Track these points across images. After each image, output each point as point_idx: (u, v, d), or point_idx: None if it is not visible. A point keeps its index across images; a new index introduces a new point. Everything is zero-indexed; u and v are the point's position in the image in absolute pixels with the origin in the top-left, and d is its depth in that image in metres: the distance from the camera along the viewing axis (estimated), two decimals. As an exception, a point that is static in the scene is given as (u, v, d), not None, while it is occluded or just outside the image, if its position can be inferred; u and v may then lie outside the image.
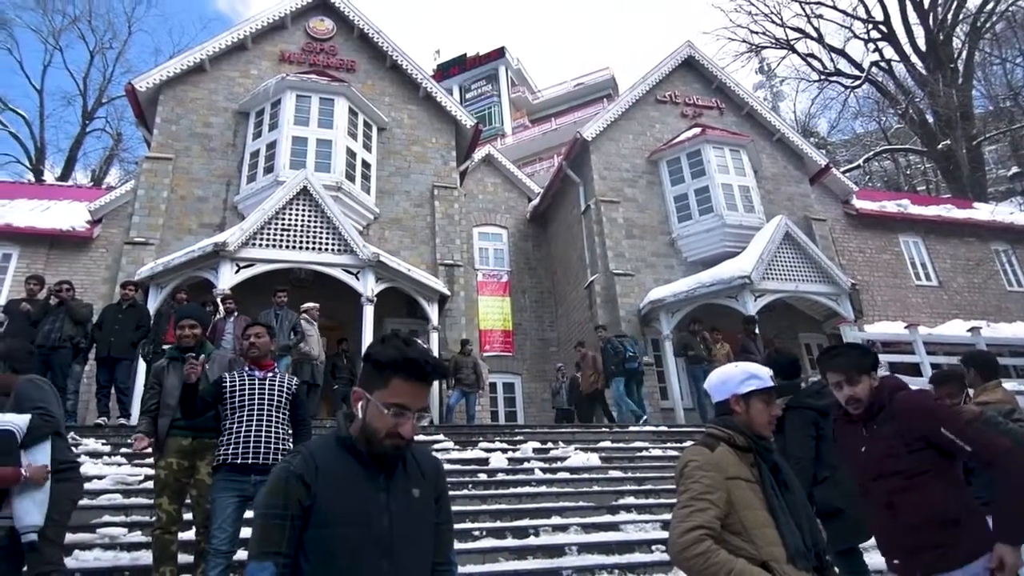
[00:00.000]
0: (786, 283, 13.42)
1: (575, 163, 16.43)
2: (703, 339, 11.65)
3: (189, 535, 4.42)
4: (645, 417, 11.11)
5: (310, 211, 11.59)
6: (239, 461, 3.75)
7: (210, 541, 3.77)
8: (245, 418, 3.83)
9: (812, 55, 30.55)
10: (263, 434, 3.82)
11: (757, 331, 11.15)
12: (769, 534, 1.96)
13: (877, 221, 18.63)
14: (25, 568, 3.55)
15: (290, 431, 4.00)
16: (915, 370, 10.97)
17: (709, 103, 17.22)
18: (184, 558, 4.31)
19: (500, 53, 36.24)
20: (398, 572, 1.56)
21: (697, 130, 15.91)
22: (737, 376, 2.21)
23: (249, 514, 3.97)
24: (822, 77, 30.68)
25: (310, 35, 15.19)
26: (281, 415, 3.94)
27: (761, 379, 2.19)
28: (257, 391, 3.91)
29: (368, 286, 11.32)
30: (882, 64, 29.35)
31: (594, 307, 14.42)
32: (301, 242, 11.36)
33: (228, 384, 3.92)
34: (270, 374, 4.03)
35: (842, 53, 29.78)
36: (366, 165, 13.92)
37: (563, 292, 17.14)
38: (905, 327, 12.38)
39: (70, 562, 4.31)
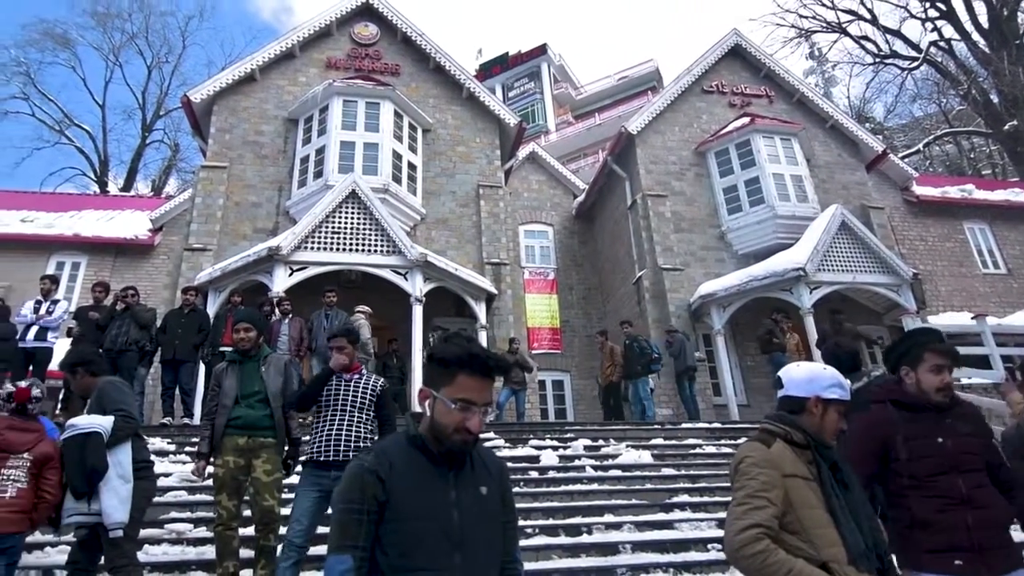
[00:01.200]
0: (843, 274, 12.99)
1: (620, 158, 16.26)
2: (783, 329, 11.28)
3: (251, 531, 4.56)
4: (650, 415, 11.09)
5: (359, 214, 11.81)
6: (321, 458, 3.97)
7: (286, 534, 3.96)
8: (329, 418, 4.07)
9: (866, 37, 29.36)
10: (344, 433, 4.02)
11: (844, 326, 10.60)
12: (829, 534, 1.90)
13: (939, 207, 17.90)
14: (102, 560, 3.75)
15: (373, 430, 4.17)
16: (984, 362, 10.49)
17: (758, 91, 16.81)
18: (246, 553, 4.46)
19: (542, 50, 36.12)
20: (470, 565, 1.61)
21: (746, 119, 15.55)
22: (826, 379, 2.15)
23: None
24: (877, 60, 29.45)
25: (355, 41, 15.46)
26: (365, 415, 4.13)
27: (845, 391, 2.15)
28: (343, 392, 4.12)
29: (416, 286, 11.47)
30: (941, 44, 27.99)
31: (643, 303, 14.25)
32: (351, 244, 11.59)
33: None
34: (356, 376, 4.22)
35: (898, 34, 28.53)
36: (412, 167, 14.10)
37: (611, 288, 17.00)
38: (972, 318, 11.88)
39: (141, 556, 4.50)
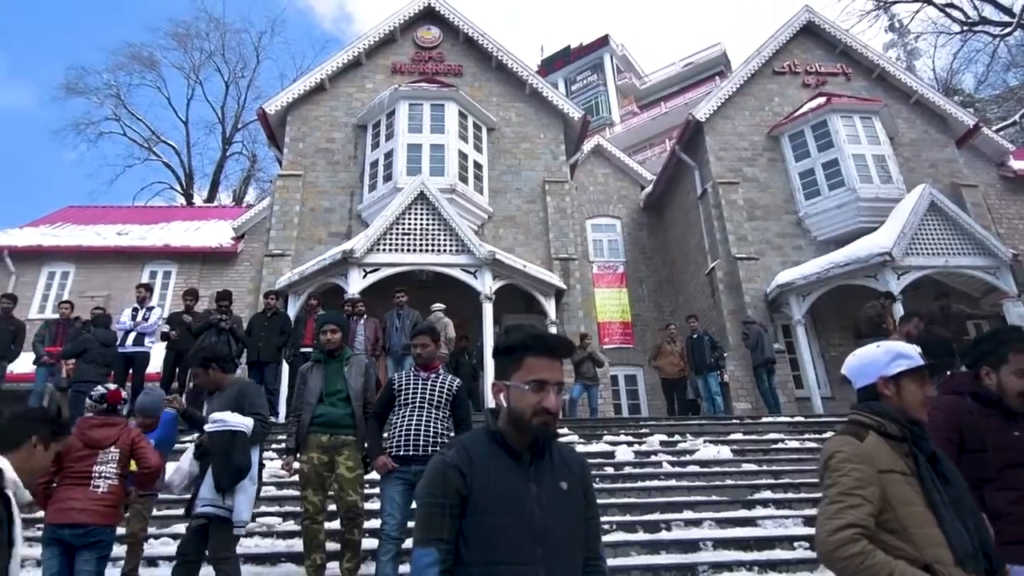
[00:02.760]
0: (933, 258, 12.24)
1: (688, 146, 15.88)
2: (890, 314, 10.66)
3: (337, 524, 4.72)
4: (719, 410, 10.90)
5: (428, 214, 12.02)
6: (400, 453, 4.11)
7: (381, 528, 4.13)
8: (406, 414, 4.20)
9: (951, 4, 27.54)
10: (421, 429, 4.13)
11: (952, 309, 9.77)
12: (931, 533, 1.77)
13: (1041, 182, 16.61)
14: (207, 551, 3.95)
15: (449, 427, 4.26)
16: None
17: (834, 69, 16.05)
18: (332, 546, 4.62)
19: (604, 41, 35.65)
20: (551, 559, 1.61)
21: (821, 99, 14.89)
22: (882, 357, 2.03)
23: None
24: (965, 28, 27.59)
25: (418, 44, 15.73)
26: (441, 413, 4.24)
27: (910, 358, 2.00)
28: (419, 390, 4.25)
29: (486, 284, 11.57)
30: (1038, 5, 25.94)
31: (716, 294, 13.88)
32: (421, 245, 11.81)
33: (396, 385, 4.31)
34: (433, 375, 4.34)
35: (988, -2, 26.64)
36: (478, 166, 14.22)
37: (682, 280, 16.64)
38: (1082, 300, 10.95)
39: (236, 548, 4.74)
